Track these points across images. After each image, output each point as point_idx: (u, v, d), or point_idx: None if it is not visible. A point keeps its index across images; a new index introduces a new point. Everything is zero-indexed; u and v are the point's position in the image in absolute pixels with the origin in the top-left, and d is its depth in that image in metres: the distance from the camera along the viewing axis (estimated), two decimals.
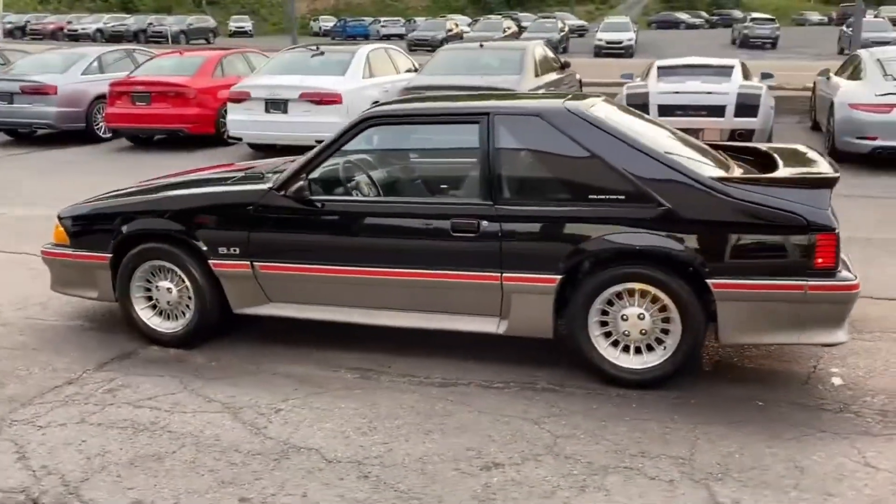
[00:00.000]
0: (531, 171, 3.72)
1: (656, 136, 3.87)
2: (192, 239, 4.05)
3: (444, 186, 3.96)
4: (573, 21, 44.19)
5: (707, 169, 3.57)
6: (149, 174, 5.71)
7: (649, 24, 54.86)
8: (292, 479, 2.90)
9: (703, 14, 59.17)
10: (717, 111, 8.92)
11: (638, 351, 3.57)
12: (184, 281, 4.13)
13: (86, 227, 4.34)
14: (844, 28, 32.25)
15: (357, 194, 4.02)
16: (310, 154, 3.99)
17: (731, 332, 3.41)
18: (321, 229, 3.92)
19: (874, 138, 8.47)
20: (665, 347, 3.51)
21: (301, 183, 3.83)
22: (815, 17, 61.31)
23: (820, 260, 3.28)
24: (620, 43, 31.90)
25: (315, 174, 3.94)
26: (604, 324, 3.58)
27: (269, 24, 55.51)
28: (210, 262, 4.04)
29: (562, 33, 33.83)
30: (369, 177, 4.08)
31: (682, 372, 3.54)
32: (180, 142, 10.96)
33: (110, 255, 4.22)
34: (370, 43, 15.37)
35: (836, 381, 3.59)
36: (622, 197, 3.46)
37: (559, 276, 3.53)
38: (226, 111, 10.79)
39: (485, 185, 3.65)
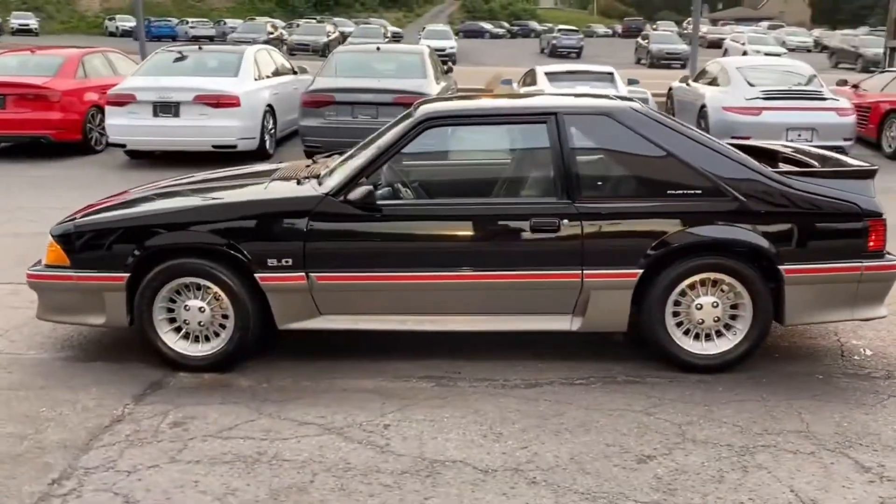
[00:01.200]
0: (606, 168, 3.81)
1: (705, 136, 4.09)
2: (236, 252, 3.71)
3: (515, 187, 3.93)
4: (391, 28, 44.58)
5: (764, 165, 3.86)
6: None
7: (457, 34, 56.70)
8: (463, 493, 2.77)
9: (505, 24, 62.14)
10: None
11: (708, 337, 3.77)
12: (217, 299, 3.77)
13: (91, 245, 3.82)
14: (640, 40, 35.35)
15: (421, 197, 3.89)
16: (366, 156, 3.81)
17: (797, 313, 3.71)
18: (387, 235, 3.75)
19: (747, 138, 9.42)
20: (735, 333, 3.75)
21: (366, 188, 3.65)
22: (601, 29, 66.42)
23: (872, 243, 3.67)
24: (444, 50, 32.69)
25: (374, 177, 3.77)
26: (676, 314, 3.75)
27: (56, 23, 50.81)
28: (257, 275, 3.72)
29: (385, 39, 34.10)
30: (430, 179, 3.96)
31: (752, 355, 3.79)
32: (39, 151, 9.81)
33: (128, 275, 3.75)
34: (253, 43, 14.64)
35: (868, 351, 4.02)
36: (699, 192, 3.65)
37: (640, 271, 3.65)
38: (94, 115, 9.88)
39: (562, 184, 3.68)
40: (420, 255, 3.73)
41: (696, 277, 3.69)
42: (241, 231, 3.74)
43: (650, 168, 3.74)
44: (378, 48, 10.54)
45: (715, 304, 3.70)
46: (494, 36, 57.35)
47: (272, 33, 34.16)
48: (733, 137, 9.39)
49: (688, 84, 11.55)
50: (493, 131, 3.95)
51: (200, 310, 3.79)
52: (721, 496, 2.75)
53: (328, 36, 33.48)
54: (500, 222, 3.70)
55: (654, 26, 58.91)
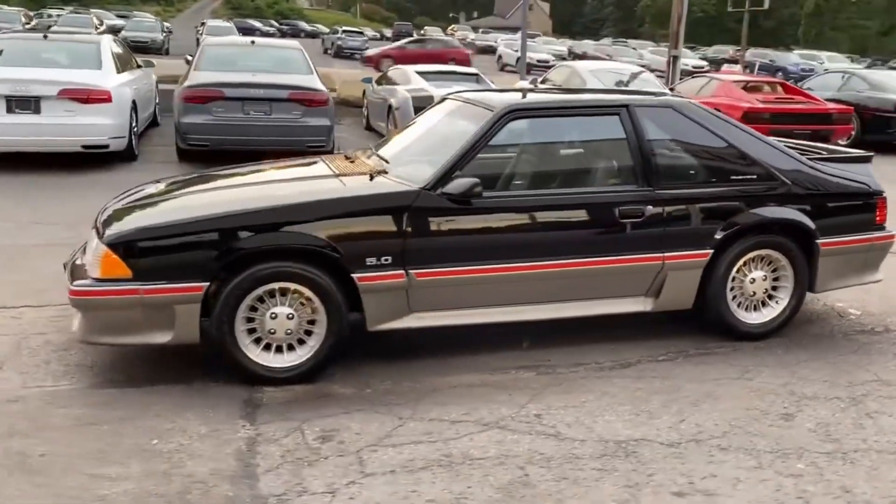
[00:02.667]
0: (677, 157, 4.06)
1: None
2: (334, 252, 3.48)
3: (598, 176, 4.03)
4: (114, 21, 40.68)
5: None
6: None
7: None
8: (678, 466, 2.89)
9: (275, 23, 60.83)
10: None
11: (756, 308, 4.19)
12: (304, 304, 3.51)
13: (160, 252, 3.38)
14: (503, 48, 37.17)
15: (511, 188, 3.88)
16: (458, 150, 3.73)
17: (825, 282, 4.25)
18: (485, 227, 3.72)
19: None
20: (777, 302, 4.20)
21: (470, 180, 3.58)
22: (369, 32, 67.39)
23: (878, 217, 4.31)
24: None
25: (468, 170, 3.72)
26: (732, 288, 4.13)
27: None
28: (355, 275, 3.52)
29: (97, 30, 31.39)
30: (517, 170, 3.96)
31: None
32: None
33: (206, 284, 3.37)
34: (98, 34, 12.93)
35: (856, 311, 4.70)
36: (755, 177, 4.05)
37: (711, 251, 3.98)
38: None
39: (642, 172, 3.90)
40: (516, 246, 3.75)
41: (753, 254, 4.09)
42: (339, 230, 3.51)
43: (714, 156, 4.08)
44: (253, 42, 10.01)
45: (764, 277, 4.14)
46: (265, 34, 55.92)
47: (98, 27, 30.36)
48: None
49: (536, 86, 12.26)
50: (569, 123, 4.05)
51: (289, 317, 3.50)
52: (876, 439, 3.13)
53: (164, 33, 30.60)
54: (592, 210, 3.84)
55: (422, 32, 61.03)
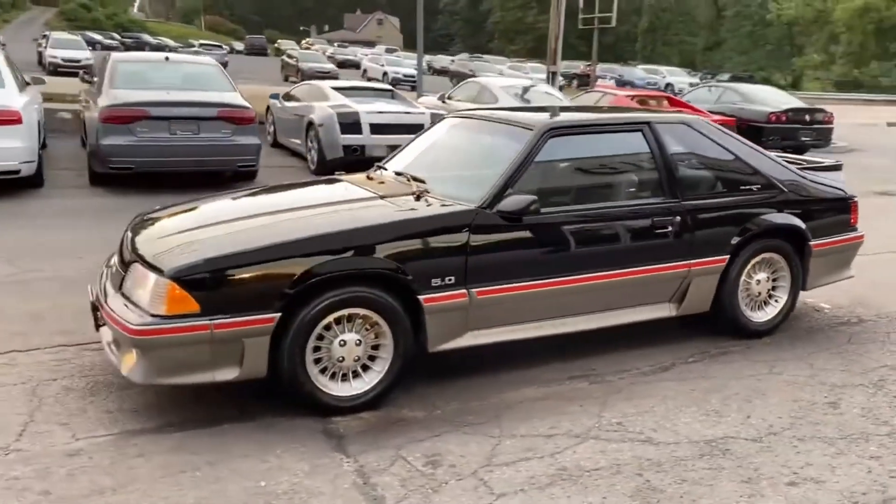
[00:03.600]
0: (695, 169, 4.31)
1: None
2: (403, 274, 3.44)
3: (629, 190, 4.19)
4: None
5: None
6: None
7: None
8: (766, 458, 3.10)
9: (116, 36, 57.66)
10: (418, 129, 9.90)
11: (759, 307, 4.52)
12: (368, 329, 3.45)
13: (229, 283, 3.20)
14: (286, 58, 36.05)
15: (557, 204, 3.96)
16: (507, 168, 3.77)
17: (813, 280, 4.65)
18: (538, 242, 3.79)
19: None
20: (777, 301, 4.56)
21: (527, 198, 3.64)
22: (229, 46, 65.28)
23: (852, 219, 4.77)
24: (80, 61, 29.45)
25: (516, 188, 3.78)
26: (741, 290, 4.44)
27: None
28: (421, 297, 3.49)
29: None
30: (559, 186, 4.04)
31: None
32: None
33: (279, 315, 3.23)
34: None
35: (826, 305, 5.16)
36: (759, 186, 4.39)
37: (728, 256, 4.26)
38: None
39: (668, 185, 4.12)
40: (564, 260, 3.85)
41: (759, 258, 4.42)
42: (407, 252, 3.47)
43: (725, 168, 4.37)
44: (167, 58, 9.49)
45: (767, 278, 4.48)
46: (106, 48, 52.95)
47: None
48: None
49: (444, 101, 12.45)
50: (600, 140, 4.20)
51: (356, 343, 3.42)
52: None
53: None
54: (631, 223, 4.01)
55: (276, 45, 59.83)
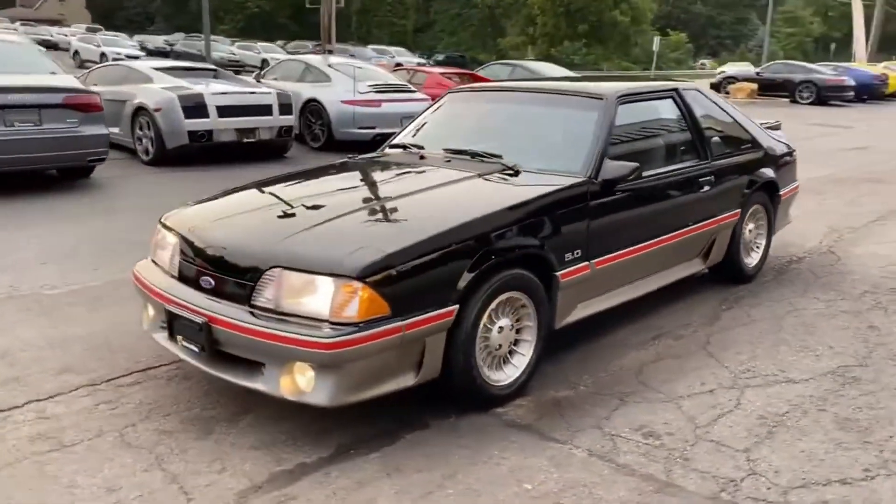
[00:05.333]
0: (712, 132, 4.58)
1: None
2: (545, 252, 3.32)
3: (679, 151, 4.28)
4: None
5: None
6: None
7: None
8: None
9: None
10: (266, 110, 9.23)
11: (751, 252, 5.02)
12: (514, 312, 3.30)
13: (414, 276, 2.85)
14: (79, 43, 32.21)
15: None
16: (595, 138, 3.75)
17: (777, 224, 5.26)
18: (633, 208, 3.84)
19: (373, 127, 10.43)
20: (759, 246, 5.09)
21: (629, 164, 3.66)
22: None
23: (797, 171, 5.46)
24: None
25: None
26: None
27: None
28: (558, 273, 3.41)
29: None
30: (633, 152, 4.05)
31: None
32: None
33: (457, 307, 2.97)
34: None
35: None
36: (751, 146, 4.85)
37: (740, 210, 4.67)
38: None
39: (701, 146, 4.39)
40: (651, 224, 3.97)
41: (753, 208, 4.89)
42: (545, 228, 3.34)
43: (730, 130, 4.75)
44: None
45: (755, 227, 4.99)
46: None
47: None
48: (360, 128, 10.37)
49: (258, 81, 11.69)
50: (648, 107, 4.28)
51: (510, 329, 3.25)
52: None
53: None
54: (689, 183, 4.21)
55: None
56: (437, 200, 3.36)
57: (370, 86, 10.61)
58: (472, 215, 3.11)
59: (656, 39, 34.80)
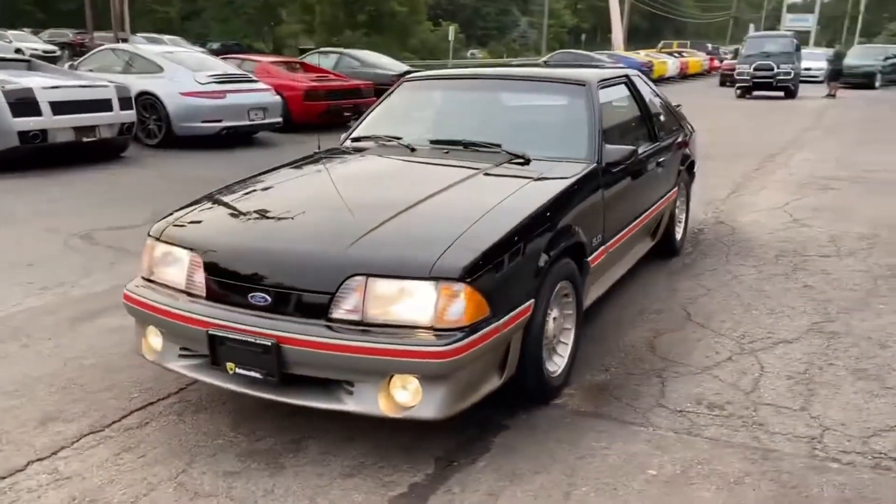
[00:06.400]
0: (654, 114, 4.78)
1: None
2: (580, 238, 3.31)
3: (637, 134, 4.35)
4: None
5: None
6: None
7: None
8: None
9: None
10: (106, 106, 8.25)
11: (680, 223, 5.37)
12: (558, 302, 3.28)
13: (503, 276, 2.71)
14: None
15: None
16: (592, 123, 3.77)
17: (690, 194, 5.67)
18: (628, 189, 3.94)
19: (219, 120, 9.73)
20: (681, 221, 5.45)
21: (626, 148, 3.70)
22: None
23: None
24: None
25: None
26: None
27: None
28: (589, 259, 3.43)
29: None
30: (614, 132, 4.09)
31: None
32: None
33: (532, 302, 2.89)
34: None
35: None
36: (678, 127, 5.16)
37: (676, 188, 4.97)
38: None
39: (651, 127, 4.60)
40: (636, 202, 4.13)
41: (682, 184, 5.22)
42: (577, 217, 3.31)
43: (665, 112, 5.00)
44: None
45: (682, 200, 5.35)
46: None
47: None
48: (204, 122, 9.67)
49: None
50: (611, 92, 4.32)
51: (556, 319, 3.22)
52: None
53: None
54: (655, 164, 4.39)
55: None
56: (481, 193, 3.22)
57: (210, 76, 9.88)
58: (536, 205, 3.03)
59: (451, 29, 35.81)
